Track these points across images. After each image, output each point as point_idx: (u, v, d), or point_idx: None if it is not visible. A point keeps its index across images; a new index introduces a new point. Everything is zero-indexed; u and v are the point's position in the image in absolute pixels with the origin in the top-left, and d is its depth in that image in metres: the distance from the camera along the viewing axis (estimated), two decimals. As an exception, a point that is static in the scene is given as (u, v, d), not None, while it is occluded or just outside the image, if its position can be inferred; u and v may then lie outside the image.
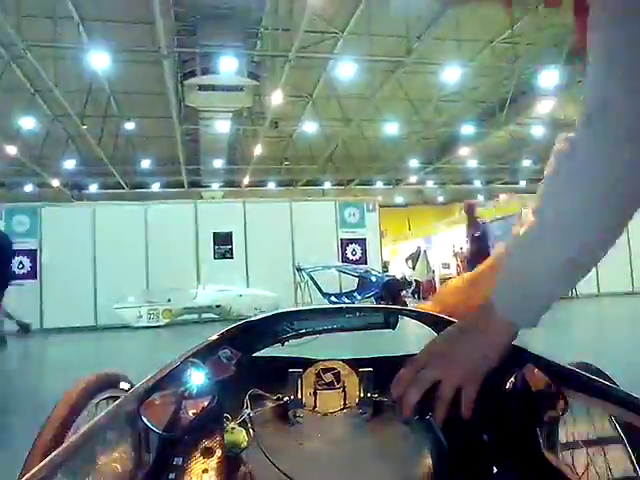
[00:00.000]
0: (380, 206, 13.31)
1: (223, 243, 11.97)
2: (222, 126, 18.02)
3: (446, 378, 0.66)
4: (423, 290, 17.27)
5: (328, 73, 15.46)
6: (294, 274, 11.32)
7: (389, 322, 1.19)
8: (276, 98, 14.57)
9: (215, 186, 24.84)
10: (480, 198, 23.46)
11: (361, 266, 11.86)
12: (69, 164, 20.99)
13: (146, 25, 12.39)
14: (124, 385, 1.04)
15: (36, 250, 11.24)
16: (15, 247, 7.60)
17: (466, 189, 27.10)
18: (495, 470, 0.90)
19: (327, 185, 25.14)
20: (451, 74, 15.09)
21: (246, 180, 23.07)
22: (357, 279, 11.10)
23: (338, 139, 19.79)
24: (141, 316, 10.59)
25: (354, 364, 1.14)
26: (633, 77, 0.54)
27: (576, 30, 0.66)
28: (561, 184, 0.61)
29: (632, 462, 0.80)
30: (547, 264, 0.61)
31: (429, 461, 1.00)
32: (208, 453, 0.98)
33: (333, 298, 10.79)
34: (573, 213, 0.59)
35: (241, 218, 12.07)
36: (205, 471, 0.95)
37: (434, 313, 1.13)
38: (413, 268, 18.27)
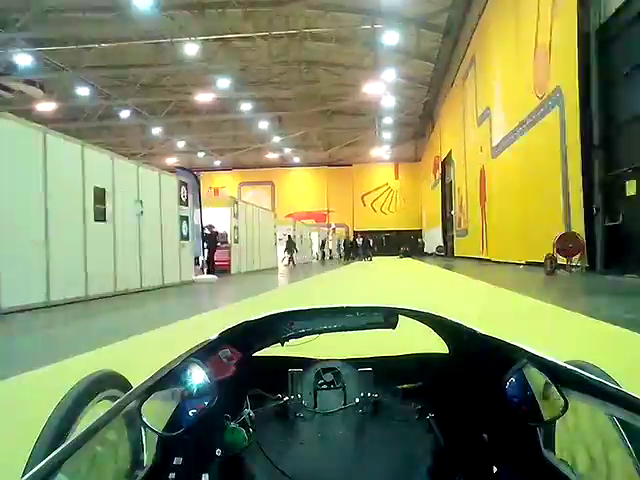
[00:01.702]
0: None
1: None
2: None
3: None
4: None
5: None
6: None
7: (389, 322, 1.19)
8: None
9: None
10: None
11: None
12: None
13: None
14: (124, 385, 1.04)
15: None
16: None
17: None
18: (495, 470, 0.90)
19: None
20: None
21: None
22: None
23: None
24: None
25: (354, 364, 1.14)
26: None
27: None
28: None
29: (632, 461, 0.80)
30: None
31: (429, 461, 1.00)
32: (208, 453, 0.98)
33: None
34: None
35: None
36: (205, 471, 0.95)
37: (434, 313, 1.13)
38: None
